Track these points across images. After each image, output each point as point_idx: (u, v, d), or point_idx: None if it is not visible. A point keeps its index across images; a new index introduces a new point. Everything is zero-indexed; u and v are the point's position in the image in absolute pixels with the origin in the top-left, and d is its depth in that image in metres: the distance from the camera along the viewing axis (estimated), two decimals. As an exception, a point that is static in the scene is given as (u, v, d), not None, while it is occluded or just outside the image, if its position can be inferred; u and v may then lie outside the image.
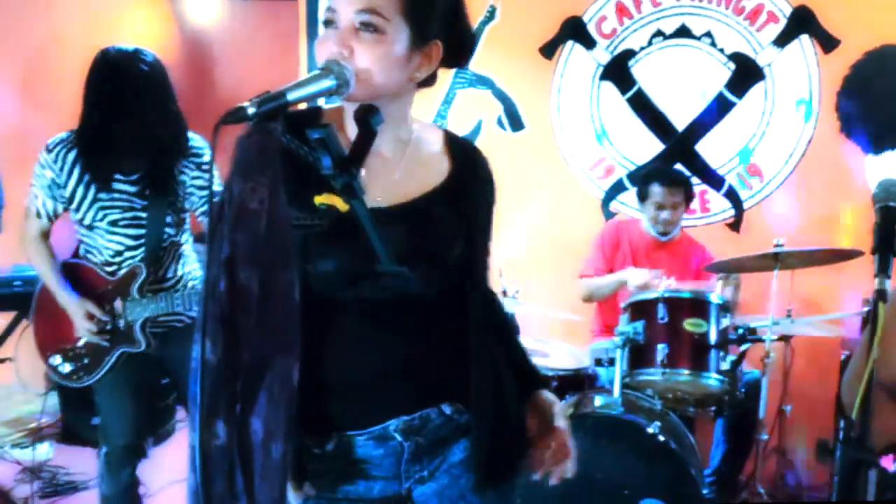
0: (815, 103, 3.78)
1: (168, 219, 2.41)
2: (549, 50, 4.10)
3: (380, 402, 1.31)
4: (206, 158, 2.44)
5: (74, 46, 5.05)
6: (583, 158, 4.12)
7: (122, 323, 2.40)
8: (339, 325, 1.30)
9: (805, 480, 3.46)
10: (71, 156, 2.32)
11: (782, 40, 3.80)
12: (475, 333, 1.35)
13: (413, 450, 1.33)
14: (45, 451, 3.86)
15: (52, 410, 4.36)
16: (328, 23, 1.23)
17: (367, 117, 1.18)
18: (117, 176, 2.34)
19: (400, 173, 1.33)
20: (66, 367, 2.47)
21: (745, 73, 3.85)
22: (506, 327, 1.51)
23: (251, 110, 1.07)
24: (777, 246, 2.88)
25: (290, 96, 1.12)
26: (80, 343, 2.44)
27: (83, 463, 3.72)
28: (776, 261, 2.87)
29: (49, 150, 2.33)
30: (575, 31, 4.06)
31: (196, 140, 2.44)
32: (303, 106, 1.22)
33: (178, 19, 5.90)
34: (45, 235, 2.42)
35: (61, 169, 2.32)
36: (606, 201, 4.09)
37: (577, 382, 3.11)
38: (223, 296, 1.06)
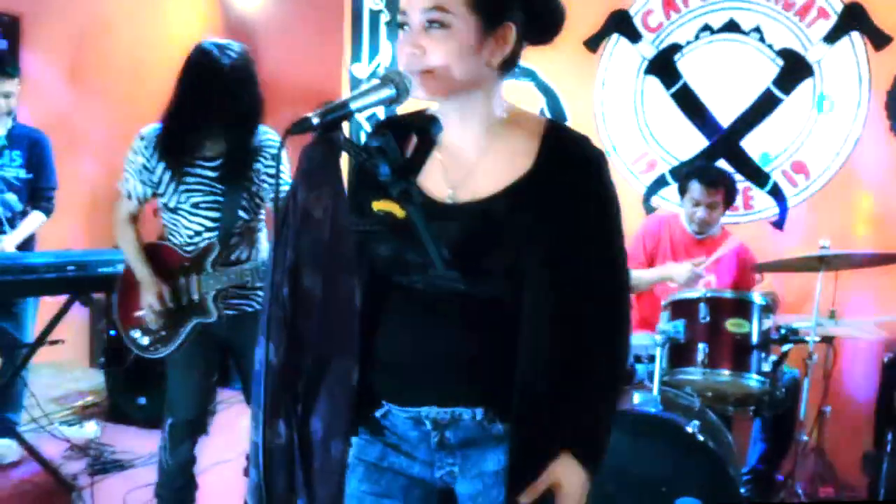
0: (863, 100, 3.72)
1: (243, 202, 2.52)
2: (593, 43, 4.09)
3: (417, 386, 1.33)
4: (281, 153, 2.51)
5: (121, 32, 5.16)
6: (626, 152, 4.10)
7: (196, 296, 2.52)
8: (393, 305, 1.34)
9: (844, 480, 3.44)
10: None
11: (832, 37, 3.74)
12: (529, 343, 1.27)
13: (439, 440, 1.35)
14: (92, 429, 3.98)
15: (99, 388, 4.50)
16: (402, 25, 1.27)
17: (427, 126, 1.21)
18: (199, 161, 2.47)
19: (479, 167, 1.31)
20: (145, 340, 2.60)
21: (794, 70, 3.80)
22: (591, 363, 1.32)
23: (315, 121, 1.10)
24: (822, 248, 2.85)
25: (353, 106, 1.15)
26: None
27: (129, 441, 3.84)
28: (821, 262, 2.84)
29: (142, 138, 2.48)
30: (621, 24, 4.04)
31: (271, 133, 2.56)
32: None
33: (223, 6, 5.96)
34: (134, 218, 2.58)
35: (151, 155, 2.46)
36: (648, 196, 4.08)
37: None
38: (287, 300, 1.10)
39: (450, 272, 1.26)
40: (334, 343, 1.14)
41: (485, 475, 1.34)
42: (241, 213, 2.53)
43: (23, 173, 3.54)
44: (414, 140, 1.28)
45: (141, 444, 3.75)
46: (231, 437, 3.29)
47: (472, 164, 1.32)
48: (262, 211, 2.62)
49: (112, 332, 4.14)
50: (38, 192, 3.63)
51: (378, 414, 1.37)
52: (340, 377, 1.13)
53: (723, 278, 3.43)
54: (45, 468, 3.36)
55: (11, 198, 3.51)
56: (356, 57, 4.67)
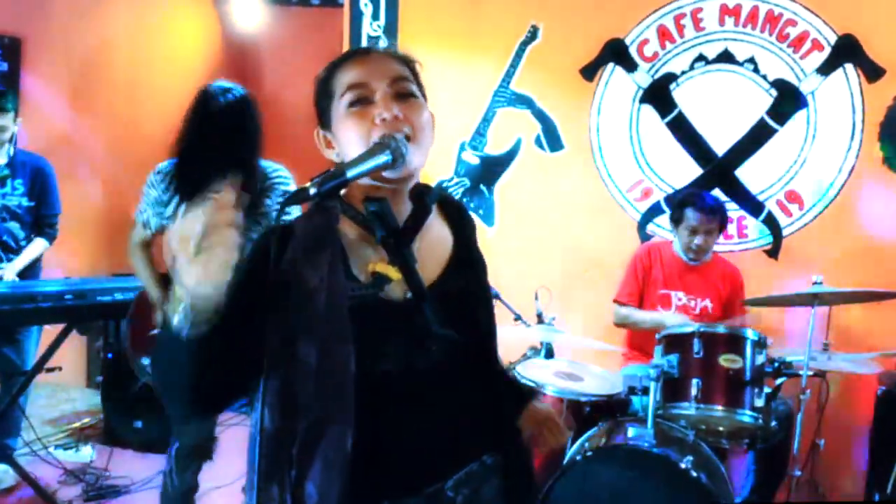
0: (856, 131, 3.75)
1: (253, 236, 2.52)
2: (589, 71, 4.13)
3: (433, 466, 1.35)
4: (291, 187, 2.60)
5: (122, 53, 5.19)
6: (621, 180, 4.13)
7: None
8: (391, 395, 1.30)
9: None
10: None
11: (826, 68, 3.78)
12: (498, 387, 1.49)
13: (462, 501, 1.37)
14: (88, 453, 3.98)
15: (95, 409, 4.50)
16: (360, 101, 1.26)
17: (422, 194, 1.23)
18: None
19: (422, 250, 1.32)
20: None
21: (788, 101, 3.84)
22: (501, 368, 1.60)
23: (312, 191, 1.12)
24: (816, 283, 2.87)
25: (350, 174, 1.17)
26: None
27: (125, 466, 3.84)
28: (814, 298, 2.86)
29: (158, 172, 2.54)
30: (616, 53, 4.08)
31: (282, 170, 2.60)
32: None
33: (224, 27, 6.01)
34: (147, 245, 2.64)
35: (165, 189, 2.51)
36: (643, 224, 4.11)
37: (609, 408, 3.13)
38: (283, 368, 1.12)
39: (448, 333, 1.29)
40: (329, 409, 1.15)
41: (486, 502, 1.41)
42: None
43: (25, 201, 3.56)
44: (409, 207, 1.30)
45: (137, 469, 3.75)
46: (228, 461, 3.29)
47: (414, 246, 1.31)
48: None
49: (109, 355, 4.15)
50: (41, 220, 3.65)
51: None
52: (335, 442, 1.14)
53: (716, 301, 3.47)
54: (40, 495, 3.37)
55: (14, 226, 3.53)
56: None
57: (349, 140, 1.27)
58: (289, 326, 1.12)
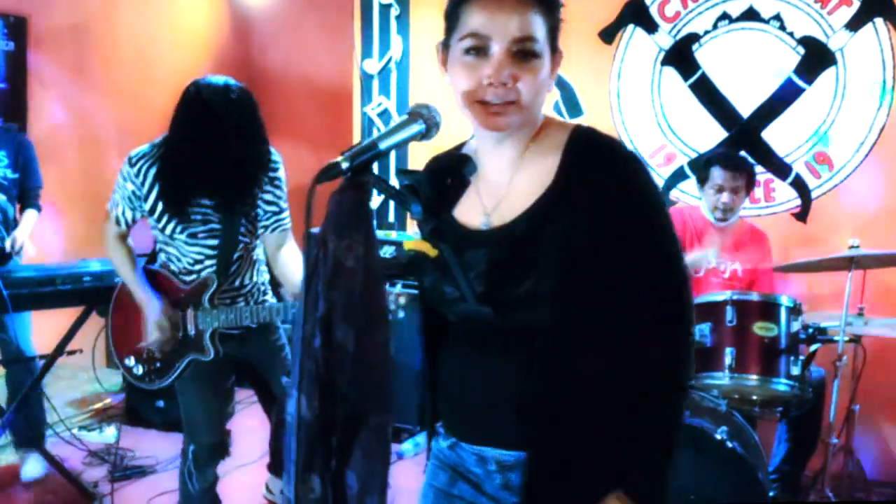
0: (887, 87, 3.63)
1: (242, 228, 2.46)
2: (609, 34, 4.01)
3: (479, 425, 1.29)
4: (280, 174, 2.50)
5: (128, 28, 5.09)
6: (643, 145, 4.03)
7: (192, 331, 2.45)
8: (450, 337, 1.32)
9: (872, 476, 3.40)
10: (153, 171, 2.36)
11: (855, 23, 3.64)
12: (573, 373, 1.17)
13: (503, 482, 1.30)
14: (111, 433, 3.97)
15: (116, 389, 4.50)
16: (474, 49, 1.20)
17: (460, 167, 1.16)
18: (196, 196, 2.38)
19: (512, 190, 1.26)
20: (139, 369, 2.55)
21: (816, 58, 3.71)
22: (646, 389, 1.18)
23: (345, 165, 1.06)
24: (852, 247, 2.79)
25: (382, 146, 1.11)
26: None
27: (148, 445, 3.83)
28: (851, 262, 2.78)
29: (132, 164, 2.37)
30: (636, 14, 3.96)
31: (272, 153, 2.48)
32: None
33: (229, 2, 5.89)
34: (123, 238, 2.49)
35: (142, 183, 2.37)
36: (667, 189, 4.01)
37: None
38: (318, 353, 1.06)
39: (481, 309, 1.22)
40: (368, 397, 1.10)
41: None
42: (241, 238, 2.47)
43: (10, 173, 3.50)
44: (447, 180, 1.23)
45: (161, 448, 3.74)
46: (248, 440, 3.27)
47: (505, 187, 1.27)
48: (261, 230, 2.55)
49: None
50: (27, 192, 3.59)
51: (446, 445, 1.37)
52: (376, 431, 1.09)
53: (745, 264, 3.38)
54: (67, 479, 3.36)
55: (1, 199, 3.46)
56: (367, 53, 4.59)
57: (456, 85, 1.22)
58: (324, 308, 1.06)
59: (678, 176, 3.99)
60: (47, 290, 2.98)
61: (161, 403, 4.08)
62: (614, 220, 1.17)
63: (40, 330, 3.52)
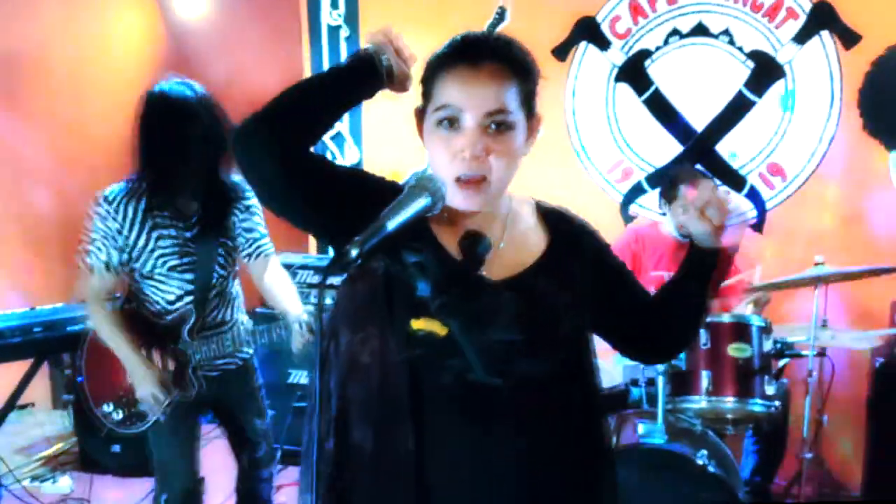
0: (835, 99, 3.70)
1: (219, 259, 2.39)
2: (562, 51, 4.01)
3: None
4: (254, 201, 2.43)
5: (58, 52, 4.87)
6: (600, 162, 4.04)
7: (172, 366, 2.37)
8: (445, 416, 1.15)
9: (839, 481, 3.46)
10: (132, 206, 2.26)
11: (802, 37, 3.71)
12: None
13: None
14: (66, 483, 3.78)
15: (67, 433, 4.28)
16: (448, 121, 1.17)
17: (475, 246, 1.11)
18: (173, 221, 2.31)
19: (504, 248, 1.26)
20: (119, 415, 2.44)
21: (765, 71, 3.77)
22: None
23: (354, 252, 0.99)
24: (817, 264, 2.82)
25: (390, 226, 1.05)
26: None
27: (106, 493, 3.66)
28: (818, 280, 2.81)
29: (109, 202, 2.25)
30: (588, 31, 3.96)
31: (244, 183, 2.40)
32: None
33: (165, 13, 5.69)
34: (110, 295, 2.34)
35: (124, 218, 2.25)
36: (625, 204, 4.02)
37: (611, 401, 3.06)
38: (332, 456, 0.99)
39: (493, 380, 1.16)
40: (388, 492, 1.03)
41: None
42: (218, 269, 2.40)
43: None
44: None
45: (120, 497, 3.58)
46: (214, 479, 3.14)
47: (497, 245, 1.25)
48: (237, 263, 2.49)
49: (80, 378, 3.93)
50: None
51: None
52: (397, 459, 1.02)
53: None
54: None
55: None
56: (317, 64, 4.50)
57: (430, 156, 1.21)
58: (338, 407, 0.99)
59: (636, 191, 4.01)
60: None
61: (117, 448, 3.90)
62: (594, 278, 1.34)
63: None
